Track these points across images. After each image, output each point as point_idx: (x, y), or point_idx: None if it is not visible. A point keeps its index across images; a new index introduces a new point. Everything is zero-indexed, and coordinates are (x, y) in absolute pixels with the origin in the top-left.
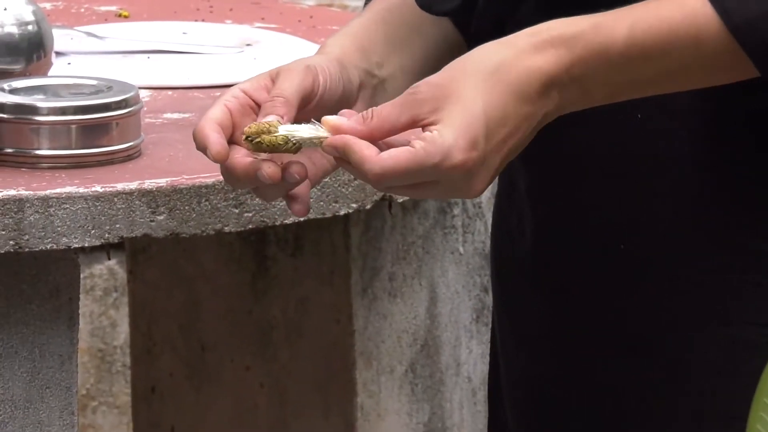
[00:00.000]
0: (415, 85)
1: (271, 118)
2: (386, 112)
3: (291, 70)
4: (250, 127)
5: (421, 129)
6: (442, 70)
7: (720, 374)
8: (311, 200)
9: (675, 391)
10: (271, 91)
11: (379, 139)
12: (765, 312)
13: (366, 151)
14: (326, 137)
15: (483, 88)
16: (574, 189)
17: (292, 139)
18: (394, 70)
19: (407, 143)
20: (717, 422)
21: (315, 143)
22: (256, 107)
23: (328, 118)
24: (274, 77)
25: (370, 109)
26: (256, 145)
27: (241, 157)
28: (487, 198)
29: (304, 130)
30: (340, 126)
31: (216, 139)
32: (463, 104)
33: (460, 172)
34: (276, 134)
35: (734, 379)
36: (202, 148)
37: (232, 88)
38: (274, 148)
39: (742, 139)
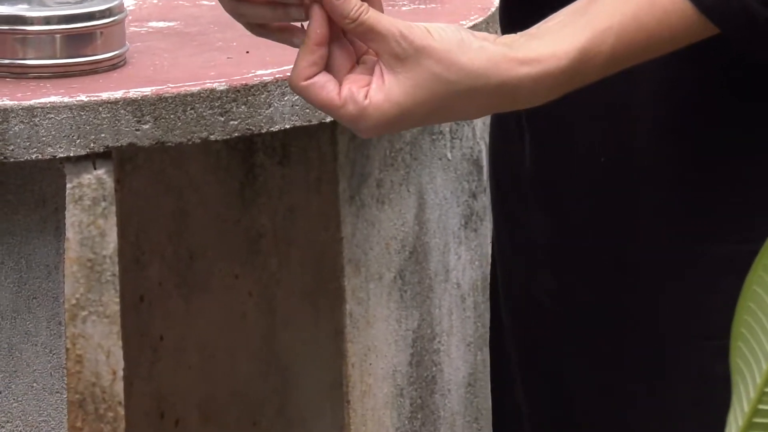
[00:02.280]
0: (408, 30)
1: None
2: (374, 29)
3: None
4: None
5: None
6: (438, 39)
7: (693, 295)
8: (297, 107)
9: (658, 307)
10: None
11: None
12: (736, 230)
13: (310, 57)
14: None
15: (443, 95)
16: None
17: None
18: None
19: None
20: (696, 341)
21: None
22: None
23: None
24: None
25: (365, 11)
26: None
27: None
28: None
29: None
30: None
31: None
32: (411, 92)
33: (357, 126)
34: None
35: (711, 297)
36: None
37: None
38: None
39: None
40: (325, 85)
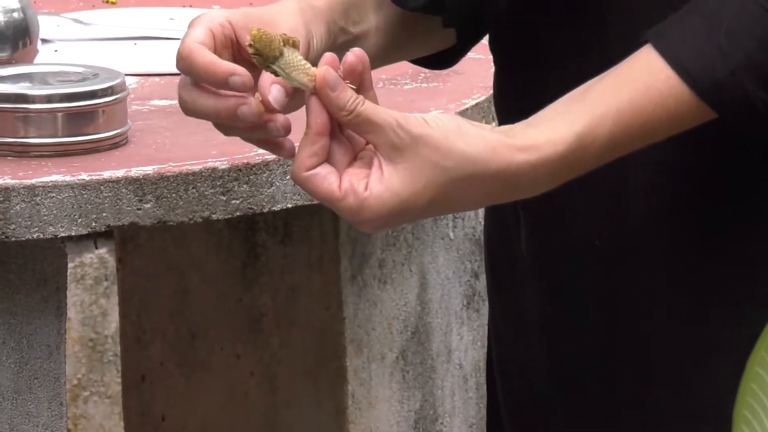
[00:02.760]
0: (405, 120)
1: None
2: (371, 120)
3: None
4: (260, 33)
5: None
6: (435, 127)
7: (689, 369)
8: (299, 187)
9: (651, 386)
10: None
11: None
12: (735, 308)
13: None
14: (311, 88)
15: (440, 182)
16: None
17: (282, 71)
18: (368, 28)
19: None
20: (688, 422)
21: (299, 85)
22: (236, 44)
23: (327, 81)
24: (261, 21)
25: (361, 102)
26: (254, 48)
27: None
28: None
29: (299, 73)
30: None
31: (209, 56)
32: (410, 181)
33: (358, 218)
34: (277, 57)
35: (703, 374)
36: (186, 65)
37: (215, 13)
38: (264, 60)
39: (721, 146)
40: (326, 177)
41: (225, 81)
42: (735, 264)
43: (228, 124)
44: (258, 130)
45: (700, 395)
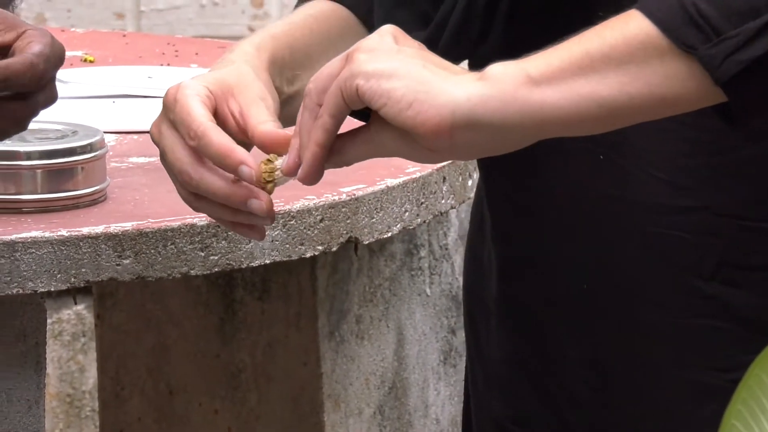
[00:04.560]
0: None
1: (279, 162)
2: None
3: (258, 105)
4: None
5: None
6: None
7: (677, 417)
8: (277, 243)
9: (632, 430)
10: (267, 116)
11: None
12: (722, 356)
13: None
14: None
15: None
16: (534, 229)
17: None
18: (301, 87)
19: None
20: None
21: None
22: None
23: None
24: (231, 89)
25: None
26: (269, 179)
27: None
28: (453, 240)
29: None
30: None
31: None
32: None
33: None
34: (276, 176)
35: (691, 423)
36: (201, 145)
37: (197, 86)
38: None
39: (704, 184)
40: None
41: (235, 168)
42: (724, 304)
43: (212, 203)
44: (241, 214)
45: None
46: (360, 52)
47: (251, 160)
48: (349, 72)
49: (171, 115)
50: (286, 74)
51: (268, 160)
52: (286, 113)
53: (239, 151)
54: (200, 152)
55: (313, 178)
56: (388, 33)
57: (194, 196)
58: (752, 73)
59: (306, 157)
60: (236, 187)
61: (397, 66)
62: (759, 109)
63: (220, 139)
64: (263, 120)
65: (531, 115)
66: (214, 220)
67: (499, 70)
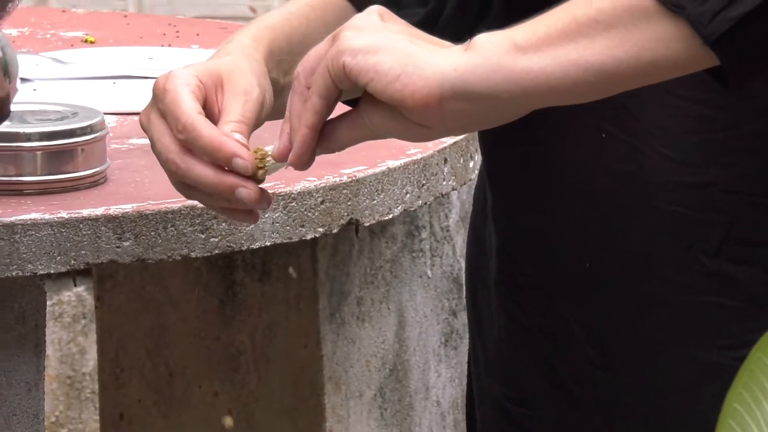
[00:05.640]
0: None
1: (270, 149)
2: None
3: (237, 100)
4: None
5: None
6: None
7: (681, 395)
8: (278, 225)
9: (638, 410)
10: (239, 115)
11: None
12: (727, 334)
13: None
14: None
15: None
16: (537, 208)
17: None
18: None
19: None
20: None
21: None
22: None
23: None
24: (222, 79)
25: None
26: (260, 165)
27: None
28: (455, 221)
29: (272, 164)
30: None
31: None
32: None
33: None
34: (268, 163)
35: (695, 401)
36: (190, 138)
37: (187, 75)
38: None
39: (710, 160)
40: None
41: (228, 161)
42: (735, 283)
43: (208, 193)
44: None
45: (693, 420)
46: (346, 30)
47: (244, 152)
48: (335, 50)
49: (160, 104)
50: (283, 65)
51: (259, 147)
52: (283, 102)
53: (230, 144)
54: (189, 145)
55: (304, 162)
56: (374, 12)
57: (184, 184)
58: (741, 32)
59: (296, 140)
60: (224, 177)
61: (383, 41)
62: (751, 70)
63: (209, 132)
64: (232, 117)
65: (518, 83)
66: None
67: (485, 39)
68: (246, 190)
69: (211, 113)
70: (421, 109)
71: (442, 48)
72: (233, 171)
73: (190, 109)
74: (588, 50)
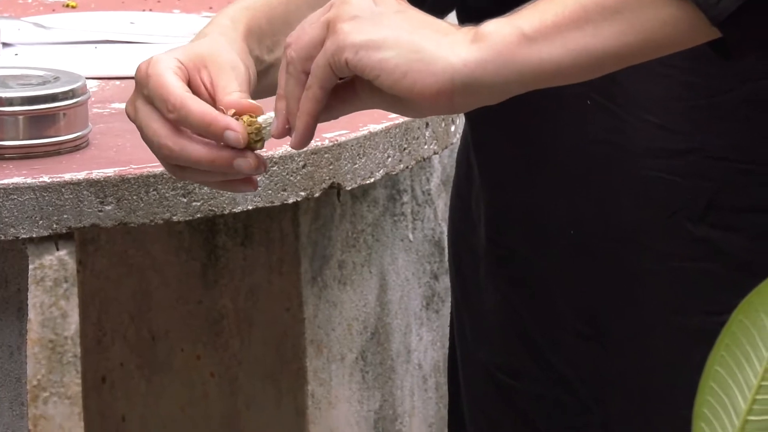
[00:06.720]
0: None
1: (261, 119)
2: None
3: (228, 74)
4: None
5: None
6: None
7: (670, 364)
8: (260, 189)
9: (627, 383)
10: (237, 87)
11: None
12: (714, 300)
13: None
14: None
15: None
16: (523, 179)
17: (264, 133)
18: (281, 55)
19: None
20: (665, 414)
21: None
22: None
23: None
24: (204, 59)
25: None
26: (257, 138)
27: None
28: (436, 185)
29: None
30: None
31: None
32: None
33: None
34: (260, 126)
35: (684, 368)
36: (180, 116)
37: (169, 59)
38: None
39: (697, 127)
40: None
41: (220, 135)
42: (721, 251)
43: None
44: (231, 173)
45: (680, 386)
46: (341, 21)
47: (235, 123)
48: (335, 45)
49: (145, 90)
50: (266, 42)
51: (250, 118)
52: (270, 80)
53: (221, 117)
54: (180, 124)
55: (305, 144)
56: None
57: (178, 167)
58: (747, 10)
59: (298, 126)
60: (219, 151)
61: (385, 34)
62: (755, 44)
63: (200, 108)
64: (231, 90)
65: (529, 73)
66: None
67: (493, 29)
68: (245, 160)
69: (196, 93)
70: (431, 104)
71: (445, 36)
72: (227, 144)
73: (177, 89)
74: (597, 37)
